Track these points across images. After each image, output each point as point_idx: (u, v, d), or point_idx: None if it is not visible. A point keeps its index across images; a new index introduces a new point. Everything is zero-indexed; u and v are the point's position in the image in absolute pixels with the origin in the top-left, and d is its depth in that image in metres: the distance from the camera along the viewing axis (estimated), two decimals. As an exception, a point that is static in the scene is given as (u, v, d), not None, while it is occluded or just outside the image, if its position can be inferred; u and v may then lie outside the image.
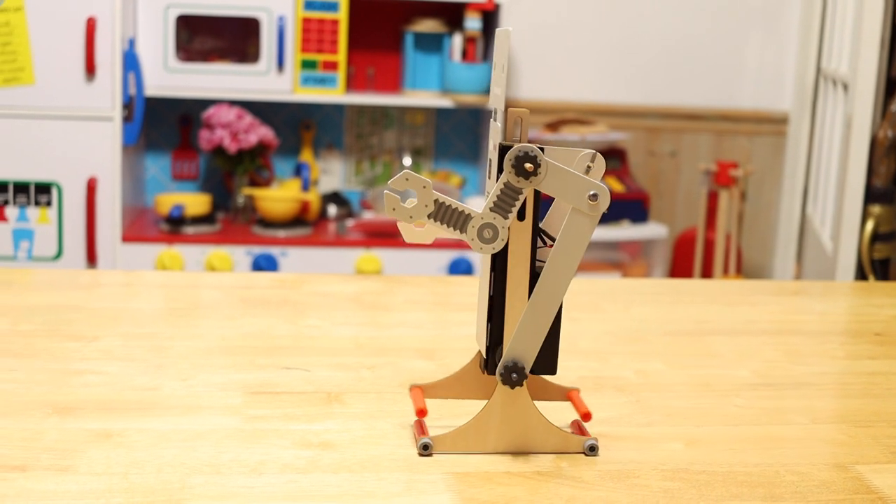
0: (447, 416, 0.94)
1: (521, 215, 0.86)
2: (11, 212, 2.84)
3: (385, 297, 1.42)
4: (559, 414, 0.95)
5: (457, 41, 3.18)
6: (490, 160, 0.88)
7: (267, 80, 3.07)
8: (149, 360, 1.09)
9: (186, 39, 3.16)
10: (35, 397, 0.97)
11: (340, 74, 3.12)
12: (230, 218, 3.20)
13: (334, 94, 3.13)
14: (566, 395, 0.96)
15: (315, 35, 3.09)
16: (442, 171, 3.38)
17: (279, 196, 3.06)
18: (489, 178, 0.88)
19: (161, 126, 3.32)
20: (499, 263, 0.86)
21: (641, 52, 3.52)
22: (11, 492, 0.77)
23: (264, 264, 2.94)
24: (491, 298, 0.87)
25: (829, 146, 3.21)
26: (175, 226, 3.00)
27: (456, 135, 3.44)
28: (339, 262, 2.98)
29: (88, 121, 2.84)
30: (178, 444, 0.87)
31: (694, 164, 3.56)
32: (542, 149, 0.84)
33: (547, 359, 0.88)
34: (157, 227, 3.04)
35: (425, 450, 0.87)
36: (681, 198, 3.60)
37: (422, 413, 0.90)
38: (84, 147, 2.84)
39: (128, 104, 2.88)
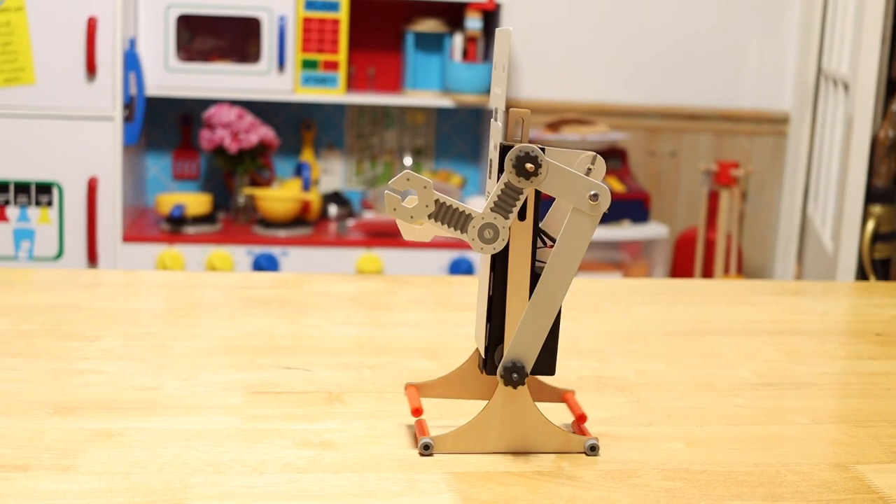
0: (448, 416, 0.94)
1: (521, 215, 0.86)
2: (12, 212, 2.85)
3: (386, 297, 1.42)
4: (560, 414, 0.95)
5: (457, 41, 3.18)
6: (491, 160, 0.88)
7: (268, 79, 3.07)
8: (150, 359, 1.09)
9: (187, 39, 3.16)
10: (36, 397, 0.97)
11: (341, 74, 3.12)
12: (231, 218, 3.20)
13: (335, 93, 3.13)
14: (562, 396, 0.97)
15: (316, 35, 3.09)
16: (443, 171, 3.38)
17: (280, 196, 3.06)
18: (490, 178, 0.89)
19: (162, 126, 3.32)
20: (499, 263, 0.86)
21: (642, 51, 3.52)
22: (13, 491, 0.77)
23: (265, 264, 2.94)
24: (490, 298, 0.87)
25: (829, 146, 3.21)
26: (176, 225, 3.00)
27: (456, 135, 3.44)
28: (339, 262, 2.98)
29: (89, 121, 2.84)
30: (179, 444, 0.87)
31: (694, 163, 3.56)
32: (542, 149, 0.84)
33: (545, 360, 0.88)
34: (157, 227, 3.04)
35: (426, 449, 0.87)
36: (681, 198, 3.60)
37: (417, 412, 0.89)
38: (85, 147, 2.84)
39: (128, 104, 2.88)
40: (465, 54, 3.19)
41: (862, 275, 2.85)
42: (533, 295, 0.86)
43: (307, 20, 3.08)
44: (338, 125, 3.40)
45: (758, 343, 1.25)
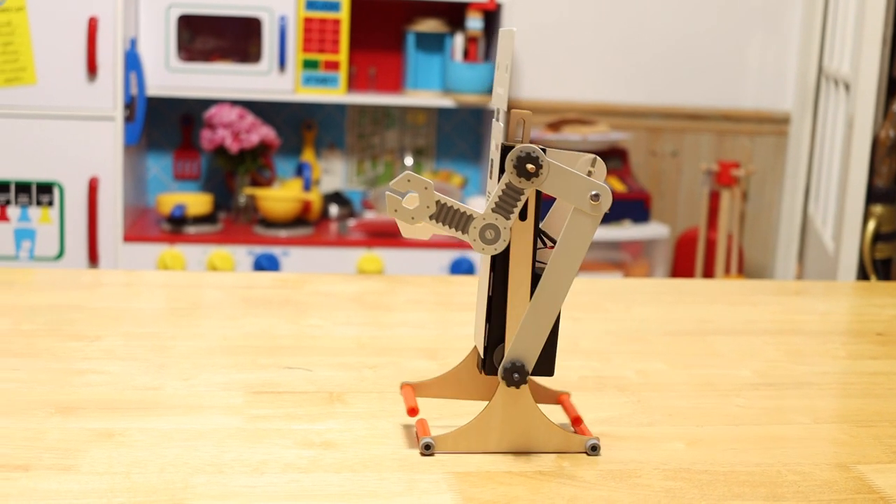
0: (448, 415, 0.94)
1: (522, 216, 0.86)
2: (13, 212, 2.85)
3: (387, 297, 1.42)
4: (560, 414, 0.95)
5: (458, 41, 3.18)
6: (492, 160, 0.88)
7: (268, 79, 3.07)
8: (151, 359, 1.10)
9: (188, 39, 3.17)
10: (37, 397, 0.97)
11: (342, 74, 3.12)
12: (232, 218, 3.20)
13: (336, 93, 3.13)
14: (557, 398, 0.97)
15: (316, 35, 3.09)
16: (443, 171, 3.38)
17: (281, 196, 3.06)
18: (491, 178, 0.89)
19: (162, 126, 3.32)
20: (499, 264, 0.86)
21: (643, 51, 3.52)
22: (14, 491, 0.77)
23: (266, 264, 2.94)
24: (490, 299, 0.87)
25: (830, 146, 3.21)
26: (176, 225, 3.00)
27: (457, 135, 3.44)
28: (340, 262, 2.98)
29: (90, 120, 2.84)
30: (180, 444, 0.87)
31: (695, 163, 3.56)
32: (544, 149, 0.84)
33: (545, 361, 0.88)
34: (158, 227, 3.04)
35: (427, 449, 0.87)
36: (682, 198, 3.60)
37: (413, 412, 0.89)
38: (86, 147, 2.84)
39: (129, 104, 2.88)
40: (466, 54, 3.19)
41: (863, 275, 2.85)
42: (534, 295, 0.86)
43: (308, 20, 3.08)
44: (339, 125, 3.40)
45: (759, 343, 1.25)
